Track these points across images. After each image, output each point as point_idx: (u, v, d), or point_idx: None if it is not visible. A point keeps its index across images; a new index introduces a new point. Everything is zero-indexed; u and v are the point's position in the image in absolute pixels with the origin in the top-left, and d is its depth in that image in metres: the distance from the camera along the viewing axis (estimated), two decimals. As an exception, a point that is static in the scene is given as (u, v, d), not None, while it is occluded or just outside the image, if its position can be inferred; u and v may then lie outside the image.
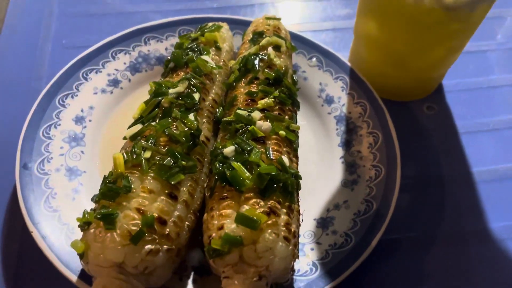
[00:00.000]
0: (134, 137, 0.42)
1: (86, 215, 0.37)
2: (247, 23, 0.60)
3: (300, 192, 0.47)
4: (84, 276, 0.39)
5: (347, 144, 0.53)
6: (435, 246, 0.48)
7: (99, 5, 0.70)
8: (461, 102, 0.61)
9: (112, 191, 0.37)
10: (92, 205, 0.40)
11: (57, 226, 0.43)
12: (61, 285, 0.42)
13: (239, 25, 0.61)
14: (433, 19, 0.49)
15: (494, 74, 0.65)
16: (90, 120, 0.53)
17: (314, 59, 0.59)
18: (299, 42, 0.60)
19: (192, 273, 0.42)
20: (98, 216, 0.36)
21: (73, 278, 0.39)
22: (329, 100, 0.57)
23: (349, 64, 0.58)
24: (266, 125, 0.43)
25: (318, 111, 0.57)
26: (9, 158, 0.49)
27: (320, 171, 0.52)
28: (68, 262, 0.40)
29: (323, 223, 0.46)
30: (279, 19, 0.57)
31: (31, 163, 0.47)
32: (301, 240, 0.45)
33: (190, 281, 0.42)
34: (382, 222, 0.45)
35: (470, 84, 0.64)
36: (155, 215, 0.37)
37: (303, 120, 0.56)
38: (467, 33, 0.53)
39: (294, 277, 0.42)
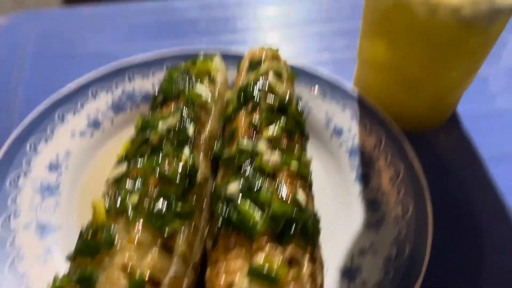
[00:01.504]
0: (118, 180, 0.35)
1: (58, 281, 0.29)
2: (240, 57, 0.55)
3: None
4: None
5: (365, 178, 0.46)
6: (481, 292, 0.40)
7: (79, 47, 0.65)
8: (481, 128, 0.56)
9: (91, 246, 0.30)
10: (68, 266, 0.32)
11: (24, 296, 0.35)
12: None
13: (231, 59, 0.56)
14: (448, 35, 0.44)
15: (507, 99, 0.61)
16: (66, 167, 0.45)
17: (316, 89, 0.54)
18: (299, 72, 0.55)
19: None
20: (73, 279, 0.28)
21: None
22: (338, 132, 0.51)
23: (356, 90, 0.53)
24: (275, 157, 0.37)
25: (327, 144, 0.50)
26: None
27: (338, 211, 0.44)
28: None
29: (350, 273, 0.39)
30: (276, 49, 0.52)
31: (-6, 219, 0.39)
32: (324, 295, 0.37)
33: None
34: (420, 267, 0.37)
35: (487, 110, 0.59)
36: (146, 274, 0.29)
37: (312, 155, 0.49)
38: (485, 50, 0.48)
39: None
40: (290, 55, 0.61)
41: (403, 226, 0.41)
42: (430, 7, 0.43)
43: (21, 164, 0.43)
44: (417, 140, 0.53)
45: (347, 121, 0.51)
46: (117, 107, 0.51)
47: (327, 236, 0.41)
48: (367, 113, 0.51)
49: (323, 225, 0.40)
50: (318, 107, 0.53)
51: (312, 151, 0.50)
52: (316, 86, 0.54)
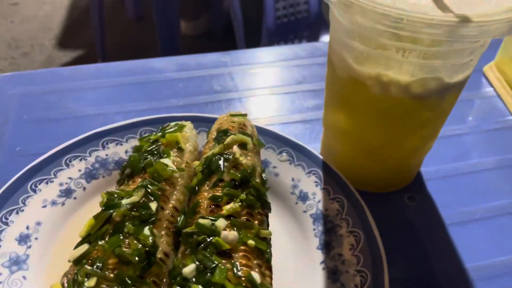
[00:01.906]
0: (78, 261, 0.36)
1: None
2: (212, 120, 0.57)
3: (278, 307, 0.41)
4: None
5: (327, 246, 0.48)
6: None
7: (59, 110, 0.67)
8: (443, 190, 0.58)
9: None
10: None
11: None
12: None
13: (204, 123, 0.59)
14: (403, 109, 0.47)
15: (472, 159, 0.63)
16: (36, 238, 0.47)
17: (284, 153, 0.56)
18: (268, 137, 0.57)
19: None
20: None
21: None
22: (304, 197, 0.52)
23: (320, 157, 0.55)
24: (232, 234, 0.38)
25: (292, 209, 0.52)
26: None
27: (299, 280, 0.46)
28: None
29: None
30: (244, 115, 0.55)
31: (-41, 296, 0.40)
32: None
33: None
34: None
35: (450, 170, 0.61)
36: None
37: (276, 221, 0.51)
38: (439, 120, 0.51)
39: None
40: (262, 115, 0.64)
41: (361, 297, 0.42)
42: (382, 84, 0.45)
43: (-10, 237, 0.45)
44: (381, 201, 0.56)
45: (312, 187, 0.53)
46: (90, 175, 0.53)
47: (288, 306, 0.43)
48: (330, 179, 0.53)
49: None
50: (286, 172, 0.55)
51: (278, 216, 0.52)
52: (284, 152, 0.56)
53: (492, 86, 0.76)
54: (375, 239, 0.46)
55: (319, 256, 0.47)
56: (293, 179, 0.54)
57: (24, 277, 0.43)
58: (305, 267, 0.47)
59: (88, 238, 0.38)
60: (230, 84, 0.74)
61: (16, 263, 0.44)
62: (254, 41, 1.66)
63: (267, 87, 0.74)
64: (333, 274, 0.45)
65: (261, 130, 0.57)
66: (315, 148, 0.58)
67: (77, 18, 2.45)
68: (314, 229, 0.50)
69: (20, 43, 2.27)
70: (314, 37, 1.64)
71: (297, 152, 0.56)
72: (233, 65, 0.78)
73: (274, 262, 0.43)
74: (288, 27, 1.59)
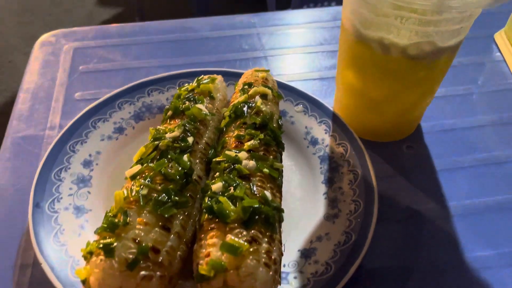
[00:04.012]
0: (133, 177, 0.48)
1: (89, 246, 0.42)
2: (240, 75, 0.67)
3: (286, 226, 0.52)
4: (86, 303, 0.44)
5: (330, 181, 0.58)
6: (413, 275, 0.51)
7: (109, 62, 0.78)
8: (439, 142, 0.66)
9: (112, 224, 0.42)
10: (96, 238, 0.45)
11: (64, 258, 0.48)
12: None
13: (232, 77, 0.68)
14: (401, 68, 0.55)
15: (471, 116, 0.70)
16: (97, 164, 0.58)
17: (300, 105, 0.65)
18: (287, 91, 0.67)
19: (185, 300, 0.46)
20: (99, 246, 0.41)
21: (76, 304, 0.44)
22: (314, 142, 0.62)
23: (331, 109, 0.64)
24: (251, 163, 0.49)
25: (304, 152, 0.62)
26: (25, 199, 0.54)
27: (305, 207, 0.56)
28: (72, 291, 0.45)
29: (306, 253, 0.50)
30: (267, 71, 0.64)
31: (43, 202, 0.52)
32: (285, 269, 0.49)
33: (182, 308, 0.46)
34: (360, 251, 0.49)
35: (448, 125, 0.69)
36: (150, 244, 0.41)
37: (291, 161, 0.61)
38: (435, 79, 0.59)
39: (277, 303, 0.46)
40: (285, 72, 0.73)
41: (353, 220, 0.52)
42: (384, 46, 0.53)
43: (62, 161, 0.57)
44: (382, 149, 0.65)
45: (321, 134, 0.62)
46: (138, 117, 0.64)
47: (293, 225, 0.53)
48: (338, 128, 0.62)
49: (293, 218, 0.53)
50: (300, 121, 0.64)
51: (292, 158, 0.62)
52: (300, 105, 0.65)
53: (500, 51, 0.81)
54: (370, 177, 0.56)
55: (322, 188, 0.57)
56: (306, 127, 0.64)
57: (88, 192, 0.55)
58: (310, 196, 0.57)
59: (140, 161, 0.50)
60: (257, 44, 0.82)
61: (83, 181, 0.56)
62: (284, 3, 1.72)
63: (291, 47, 0.82)
64: (332, 202, 0.55)
65: (281, 85, 0.67)
66: (329, 102, 0.67)
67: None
68: (321, 168, 0.59)
69: (63, 0, 2.38)
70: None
71: (311, 105, 0.65)
72: (261, 26, 0.86)
73: (285, 192, 0.54)
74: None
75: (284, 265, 0.50)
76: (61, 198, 0.54)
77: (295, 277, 0.48)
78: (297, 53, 0.81)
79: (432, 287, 0.51)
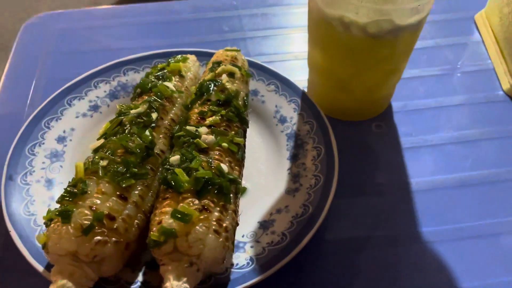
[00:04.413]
0: (96, 150, 0.50)
1: (49, 213, 0.45)
2: (213, 54, 0.68)
3: (250, 200, 0.54)
4: (49, 267, 0.46)
5: (294, 157, 0.59)
6: (368, 246, 0.53)
7: (91, 44, 0.80)
8: (408, 121, 0.67)
9: (71, 193, 0.45)
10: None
11: (32, 227, 0.50)
12: (34, 275, 0.48)
13: (208, 57, 0.70)
14: (363, 46, 0.56)
15: (444, 96, 0.71)
16: (70, 140, 0.61)
17: (272, 85, 0.67)
18: (261, 71, 0.68)
19: (144, 267, 0.49)
20: (57, 213, 0.43)
21: (40, 268, 0.46)
22: (283, 120, 0.64)
23: (301, 88, 0.65)
24: (210, 138, 0.50)
25: (272, 130, 0.63)
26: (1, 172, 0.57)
27: (269, 182, 0.58)
28: (38, 256, 0.47)
29: (265, 225, 0.52)
30: (238, 50, 0.65)
31: (16, 175, 0.55)
32: (243, 239, 0.51)
33: (141, 274, 0.48)
34: (315, 223, 0.50)
35: (418, 105, 0.69)
36: (105, 212, 0.44)
37: (260, 138, 0.63)
38: (399, 58, 0.59)
39: (232, 270, 0.48)
40: (262, 53, 0.75)
41: (312, 193, 0.54)
42: (344, 24, 0.54)
43: (37, 137, 0.59)
44: (351, 127, 0.66)
45: (290, 112, 0.64)
46: (113, 95, 0.66)
47: (258, 199, 0.55)
48: (306, 106, 0.63)
49: (258, 192, 0.55)
50: (271, 100, 0.66)
51: (261, 135, 0.63)
52: (272, 84, 0.67)
53: (479, 32, 0.81)
54: (332, 153, 0.57)
55: (287, 164, 0.59)
56: (276, 106, 0.65)
57: (61, 166, 0.58)
58: (275, 172, 0.59)
59: (104, 135, 0.52)
60: (237, 26, 0.83)
61: (56, 156, 0.59)
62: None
63: (269, 28, 0.83)
64: (295, 177, 0.57)
65: (255, 65, 0.68)
66: (302, 81, 0.68)
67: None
68: (287, 145, 0.61)
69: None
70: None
71: (282, 84, 0.66)
72: (242, 8, 0.87)
73: (250, 167, 0.56)
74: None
75: (243, 236, 0.52)
76: (34, 171, 0.56)
77: (251, 246, 0.50)
78: (274, 34, 0.82)
79: (389, 255, 0.52)
